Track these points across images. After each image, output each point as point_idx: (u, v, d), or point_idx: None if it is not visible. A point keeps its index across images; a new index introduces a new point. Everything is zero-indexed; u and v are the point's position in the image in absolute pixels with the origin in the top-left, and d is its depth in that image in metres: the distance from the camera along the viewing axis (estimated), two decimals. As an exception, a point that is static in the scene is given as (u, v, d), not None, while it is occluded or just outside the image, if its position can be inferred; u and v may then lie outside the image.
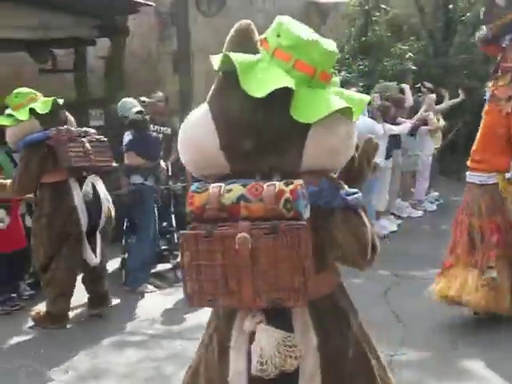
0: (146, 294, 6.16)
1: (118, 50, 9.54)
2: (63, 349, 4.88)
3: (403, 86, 8.13)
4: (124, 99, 6.87)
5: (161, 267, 6.88)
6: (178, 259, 6.69)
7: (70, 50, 9.02)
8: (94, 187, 5.30)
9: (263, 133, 1.96)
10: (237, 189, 1.87)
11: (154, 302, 6.00)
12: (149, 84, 10.99)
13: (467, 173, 5.06)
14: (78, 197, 5.24)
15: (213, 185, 1.90)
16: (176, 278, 6.46)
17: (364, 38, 12.72)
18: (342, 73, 11.93)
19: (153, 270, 6.66)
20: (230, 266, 1.86)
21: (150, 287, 6.31)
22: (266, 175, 1.96)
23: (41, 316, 5.29)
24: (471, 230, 4.90)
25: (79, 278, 5.47)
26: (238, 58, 1.95)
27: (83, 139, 5.26)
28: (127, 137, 6.42)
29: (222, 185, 1.89)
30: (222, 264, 1.86)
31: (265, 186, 1.87)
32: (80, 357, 4.77)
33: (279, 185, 1.87)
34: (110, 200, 5.45)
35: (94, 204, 5.24)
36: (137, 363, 4.57)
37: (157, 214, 6.58)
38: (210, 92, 2.07)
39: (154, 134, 6.85)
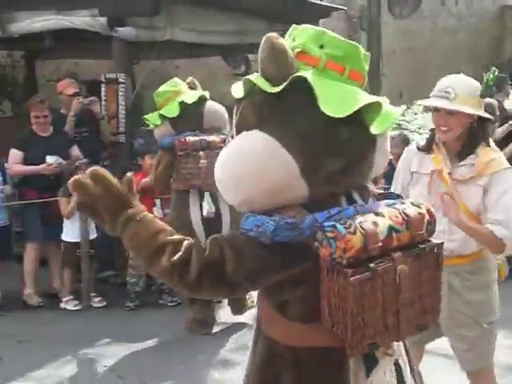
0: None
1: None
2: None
3: None
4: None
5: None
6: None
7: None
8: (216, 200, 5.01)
9: (347, 151, 1.83)
10: (381, 220, 1.77)
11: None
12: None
13: None
14: (194, 211, 5.03)
15: (358, 221, 1.74)
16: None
17: None
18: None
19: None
20: (389, 302, 1.79)
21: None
22: (348, 194, 1.89)
23: (188, 321, 5.30)
24: None
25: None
26: (307, 76, 1.77)
27: (201, 153, 5.00)
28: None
29: (363, 220, 1.75)
30: (382, 302, 1.77)
31: (405, 211, 1.83)
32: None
33: (415, 208, 1.86)
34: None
35: (214, 220, 4.97)
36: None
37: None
38: (258, 119, 1.84)
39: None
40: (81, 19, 6.35)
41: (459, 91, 2.97)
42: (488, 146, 3.09)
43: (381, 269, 1.74)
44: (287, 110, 1.81)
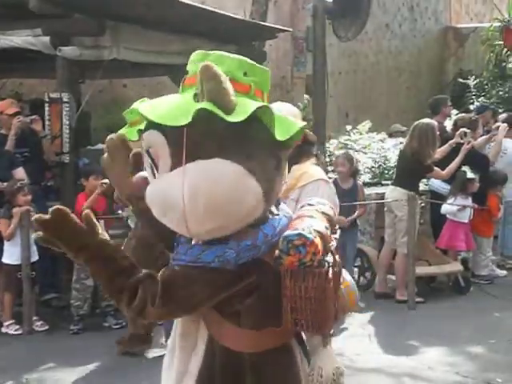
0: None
1: (254, 75, 9.73)
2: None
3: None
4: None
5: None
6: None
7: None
8: None
9: (283, 170, 2.04)
10: (319, 222, 1.98)
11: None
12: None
13: None
14: None
15: (309, 225, 1.93)
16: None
17: (504, 64, 12.27)
18: (480, 99, 11.58)
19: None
20: (336, 291, 2.01)
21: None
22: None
23: (126, 340, 5.21)
24: None
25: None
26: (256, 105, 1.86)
27: None
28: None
29: (313, 224, 1.94)
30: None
31: (323, 211, 2.05)
32: None
33: (326, 207, 2.10)
34: None
35: None
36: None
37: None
38: (218, 146, 1.86)
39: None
40: (22, 38, 6.27)
41: (285, 112, 3.12)
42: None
43: (333, 263, 1.96)
44: (245, 137, 1.88)
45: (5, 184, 5.88)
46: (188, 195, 1.83)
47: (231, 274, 1.91)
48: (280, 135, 1.88)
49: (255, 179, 1.88)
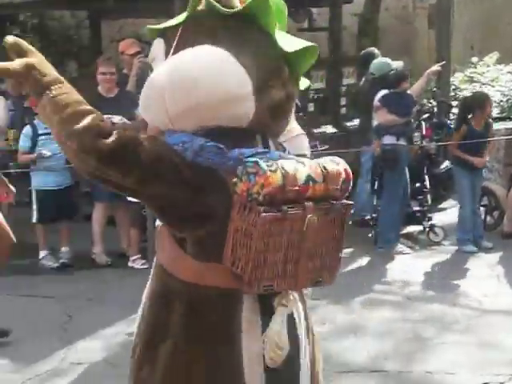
0: (397, 256, 6.06)
1: (373, 7, 9.38)
2: (319, 299, 4.95)
3: None
4: (379, 59, 6.77)
5: (413, 229, 6.71)
6: (432, 221, 6.53)
7: (324, 9, 9.07)
8: None
9: (287, 87, 1.88)
10: (301, 167, 1.79)
11: (407, 263, 5.88)
12: (403, 40, 10.71)
13: None
14: None
15: (280, 163, 1.75)
16: (429, 240, 6.40)
17: None
18: None
19: (405, 231, 6.56)
20: (292, 250, 1.80)
21: (404, 248, 6.19)
22: (266, 143, 1.90)
23: None
24: None
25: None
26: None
27: None
28: (380, 94, 6.31)
29: (285, 163, 1.77)
30: (286, 248, 1.79)
31: (325, 166, 1.82)
32: (336, 310, 4.83)
33: (334, 165, 1.85)
34: None
35: None
36: (393, 323, 4.49)
37: (408, 174, 6.43)
38: (210, 38, 1.82)
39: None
40: (141, -23, 6.30)
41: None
42: None
43: (291, 213, 1.76)
44: (241, 35, 1.84)
45: (128, 123, 5.99)
46: (166, 71, 1.80)
47: (189, 168, 1.76)
48: (285, 45, 1.82)
49: (245, 71, 1.79)
